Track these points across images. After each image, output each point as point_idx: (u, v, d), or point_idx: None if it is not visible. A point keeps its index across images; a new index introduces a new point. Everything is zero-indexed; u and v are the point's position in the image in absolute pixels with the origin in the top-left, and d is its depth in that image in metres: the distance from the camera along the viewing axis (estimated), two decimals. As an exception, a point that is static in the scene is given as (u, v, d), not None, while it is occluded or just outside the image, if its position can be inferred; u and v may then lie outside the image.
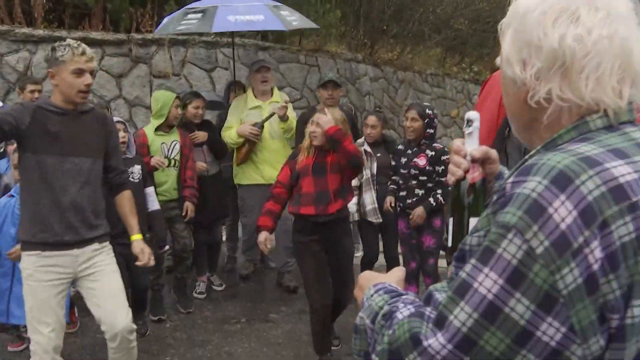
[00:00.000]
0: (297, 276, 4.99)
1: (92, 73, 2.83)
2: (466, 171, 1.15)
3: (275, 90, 5.17)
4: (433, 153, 4.18)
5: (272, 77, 5.11)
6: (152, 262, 3.08)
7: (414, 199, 4.19)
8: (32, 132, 2.67)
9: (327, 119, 3.41)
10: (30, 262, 2.74)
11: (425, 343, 0.87)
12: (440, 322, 0.87)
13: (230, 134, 4.91)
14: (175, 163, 4.46)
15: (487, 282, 0.82)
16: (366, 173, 4.51)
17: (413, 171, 4.22)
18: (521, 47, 0.92)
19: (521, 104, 0.94)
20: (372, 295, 1.06)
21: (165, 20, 5.60)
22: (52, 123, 2.72)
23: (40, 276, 2.74)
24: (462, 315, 0.83)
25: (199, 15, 5.05)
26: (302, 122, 4.48)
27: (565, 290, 0.77)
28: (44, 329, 2.72)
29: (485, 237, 0.87)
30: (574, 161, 0.81)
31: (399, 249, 4.55)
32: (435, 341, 0.86)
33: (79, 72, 2.71)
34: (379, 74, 12.85)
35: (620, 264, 0.78)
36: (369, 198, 4.53)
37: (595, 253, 0.77)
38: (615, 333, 0.79)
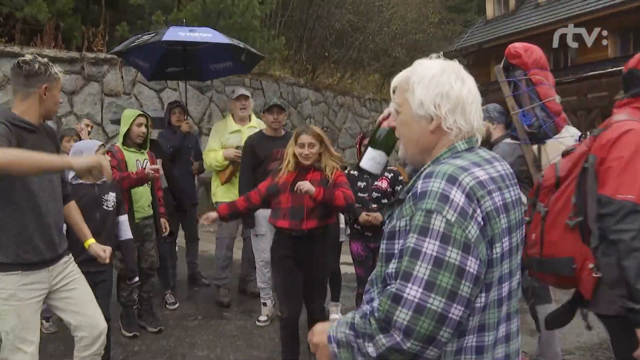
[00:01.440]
0: (233, 291, 5.71)
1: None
2: (384, 119, 1.86)
3: (253, 116, 5.75)
4: (392, 175, 4.38)
5: (250, 104, 5.66)
6: (107, 261, 3.18)
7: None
8: None
9: (307, 186, 3.53)
10: (12, 283, 2.68)
11: (404, 295, 1.31)
12: (407, 278, 1.32)
13: (216, 157, 5.39)
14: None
15: (430, 246, 1.32)
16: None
17: (375, 194, 4.34)
18: (435, 94, 1.49)
19: (428, 133, 1.52)
20: (337, 325, 1.47)
21: (116, 48, 6.31)
22: (27, 141, 2.70)
23: (23, 295, 2.72)
24: (422, 270, 1.31)
25: (152, 34, 5.87)
26: (249, 144, 4.91)
27: (473, 238, 1.33)
28: (28, 348, 2.73)
29: (412, 220, 1.38)
30: (453, 168, 1.41)
31: (356, 271, 4.61)
32: (410, 290, 1.31)
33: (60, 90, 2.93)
34: (320, 98, 13.82)
35: (488, 222, 1.38)
36: (342, 217, 4.96)
37: (479, 216, 1.36)
38: (490, 265, 1.44)
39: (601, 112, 16.02)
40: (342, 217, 4.98)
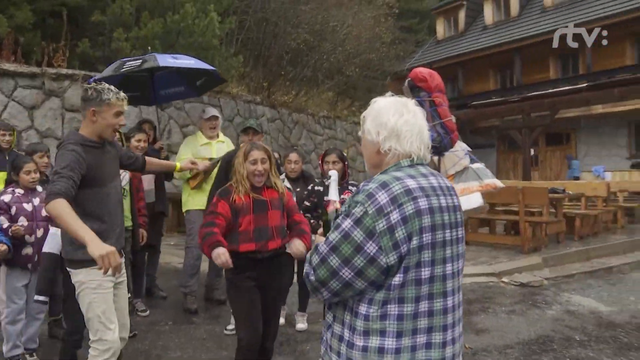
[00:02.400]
0: (199, 299, 6.07)
1: (124, 114, 3.34)
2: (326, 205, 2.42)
3: (220, 133, 6.27)
4: (355, 188, 4.80)
5: (219, 124, 6.20)
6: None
7: None
8: (87, 172, 3.11)
9: (300, 249, 3.60)
10: (98, 275, 3.05)
11: (319, 249, 1.86)
12: (326, 239, 1.85)
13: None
14: (124, 192, 4.97)
15: (346, 224, 1.79)
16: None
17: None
18: (377, 125, 1.96)
19: (375, 153, 1.99)
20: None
21: (102, 73, 6.61)
22: (95, 156, 3.18)
23: (106, 284, 3.23)
24: (334, 237, 1.81)
25: (139, 62, 6.22)
26: (226, 161, 5.16)
27: (379, 230, 1.74)
28: (114, 327, 3.24)
29: (349, 207, 1.83)
30: (389, 178, 1.83)
31: None
32: (322, 247, 1.85)
33: (119, 114, 3.24)
34: (276, 115, 14.30)
35: (407, 222, 1.76)
36: None
37: (394, 216, 1.75)
38: (406, 254, 1.89)
39: (544, 130, 17.15)
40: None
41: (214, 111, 6.27)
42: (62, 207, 2.85)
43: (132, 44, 10.28)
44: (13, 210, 4.24)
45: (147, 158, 3.95)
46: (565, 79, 17.75)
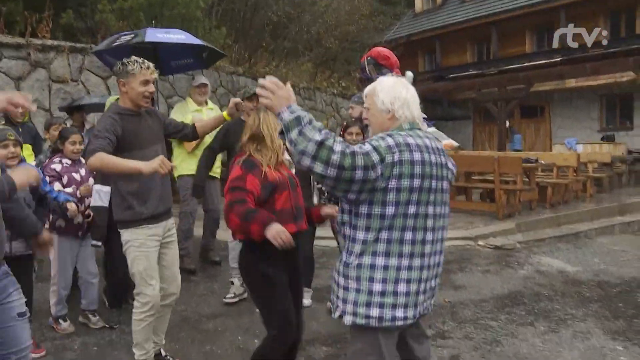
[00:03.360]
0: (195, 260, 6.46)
1: (154, 82, 3.62)
2: None
3: (209, 101, 6.63)
4: None
5: (208, 91, 6.54)
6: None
7: None
8: (124, 136, 3.41)
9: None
10: (142, 234, 3.49)
11: (333, 146, 2.14)
12: (358, 148, 2.23)
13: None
14: None
15: (366, 146, 2.24)
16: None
17: None
18: (392, 97, 2.52)
19: (388, 120, 2.56)
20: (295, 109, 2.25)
21: (99, 46, 6.89)
22: (132, 123, 3.49)
23: (150, 243, 3.54)
24: (363, 148, 2.23)
25: (131, 35, 6.51)
26: (225, 127, 5.12)
27: (386, 159, 2.21)
28: (154, 282, 3.55)
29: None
30: (394, 133, 2.35)
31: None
32: (336, 146, 2.15)
33: (146, 82, 3.49)
34: (257, 86, 14.60)
35: (402, 164, 2.24)
36: None
37: (395, 156, 2.23)
38: (393, 187, 2.31)
39: (519, 102, 17.73)
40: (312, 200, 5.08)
41: (203, 79, 6.58)
42: (102, 157, 3.22)
43: (117, 15, 10.47)
44: (65, 179, 4.46)
45: (196, 124, 4.02)
46: (541, 53, 18.31)
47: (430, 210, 2.40)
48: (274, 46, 16.30)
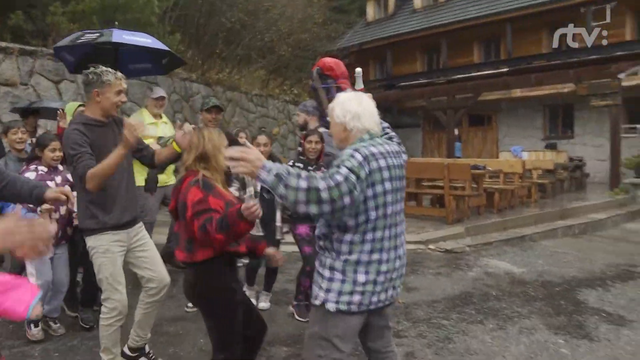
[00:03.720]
0: None
1: (126, 93, 3.73)
2: None
3: (162, 114, 6.56)
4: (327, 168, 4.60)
5: (165, 104, 6.49)
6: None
7: None
8: (92, 148, 3.49)
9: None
10: (106, 240, 3.60)
11: (333, 177, 2.42)
12: (332, 177, 2.43)
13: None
14: None
15: (342, 170, 2.45)
16: (249, 190, 5.06)
17: None
18: (344, 111, 2.81)
19: (342, 131, 2.83)
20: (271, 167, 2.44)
21: (61, 42, 6.73)
22: (98, 134, 3.57)
23: (115, 249, 3.63)
24: (338, 175, 2.45)
25: (96, 34, 6.42)
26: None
27: (361, 175, 2.50)
28: (122, 288, 3.64)
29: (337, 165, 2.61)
30: (358, 146, 2.61)
31: (305, 250, 4.95)
32: (334, 177, 2.43)
33: (119, 93, 3.61)
34: (210, 92, 14.59)
35: (373, 174, 2.63)
36: (277, 215, 5.11)
37: (366, 169, 2.52)
38: (370, 196, 2.63)
39: (467, 111, 18.32)
40: (277, 215, 5.16)
41: (162, 92, 6.51)
42: (94, 174, 3.38)
43: (69, 18, 10.37)
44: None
45: (155, 150, 4.01)
46: (488, 64, 18.97)
47: (397, 207, 2.77)
48: (227, 53, 16.35)
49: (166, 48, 6.77)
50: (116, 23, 7.73)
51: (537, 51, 17.86)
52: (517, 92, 18.11)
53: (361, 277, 2.66)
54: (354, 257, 2.66)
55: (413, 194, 10.83)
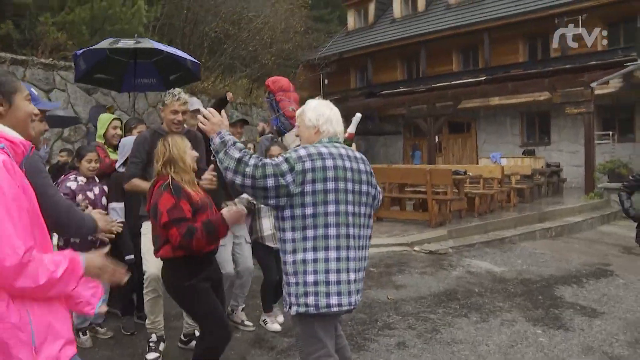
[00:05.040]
0: None
1: (184, 113, 4.18)
2: None
3: None
4: None
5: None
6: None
7: None
8: (150, 152, 3.85)
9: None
10: None
11: (261, 160, 2.72)
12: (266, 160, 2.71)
13: None
14: None
15: (278, 159, 2.74)
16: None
17: None
18: (317, 115, 3.04)
19: (314, 134, 3.05)
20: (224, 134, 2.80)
21: (96, 45, 6.90)
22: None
23: None
24: (270, 161, 2.72)
25: (133, 41, 6.62)
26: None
27: (296, 167, 2.67)
28: (153, 263, 4.06)
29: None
30: (307, 145, 2.84)
31: None
32: (264, 160, 2.71)
33: (175, 112, 4.14)
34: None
35: (314, 170, 2.69)
36: (268, 223, 5.02)
37: (306, 164, 2.68)
38: (309, 191, 2.75)
39: (447, 119, 18.84)
40: (267, 224, 5.07)
41: (198, 103, 6.17)
42: (134, 183, 4.15)
43: (59, 28, 10.63)
44: (79, 197, 4.56)
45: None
46: (467, 72, 19.53)
47: (350, 208, 2.81)
48: (211, 62, 16.67)
49: (195, 61, 7.04)
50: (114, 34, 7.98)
51: (514, 60, 18.47)
52: (496, 100, 18.66)
53: (310, 278, 2.72)
54: (299, 256, 2.74)
55: (396, 198, 11.25)
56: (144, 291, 4.29)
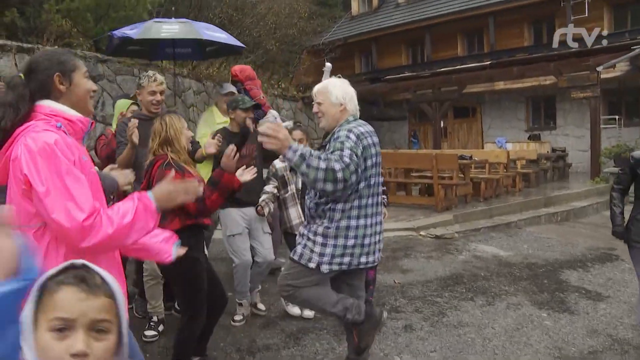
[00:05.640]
0: None
1: (162, 93, 4.28)
2: None
3: None
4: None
5: None
6: None
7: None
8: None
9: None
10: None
11: (342, 154, 2.99)
12: (341, 156, 2.97)
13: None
14: None
15: (346, 152, 3.00)
16: (291, 188, 4.94)
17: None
18: (344, 93, 3.32)
19: (339, 111, 3.30)
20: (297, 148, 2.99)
21: (138, 29, 6.97)
22: (143, 127, 4.07)
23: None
24: (346, 153, 3.01)
25: (175, 28, 6.75)
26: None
27: (358, 153, 3.05)
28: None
29: (337, 142, 3.06)
30: (350, 126, 3.17)
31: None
32: (343, 153, 3.01)
33: (153, 93, 4.24)
34: (201, 87, 14.94)
35: (365, 150, 3.10)
36: (295, 212, 4.92)
37: (360, 147, 3.08)
38: (363, 169, 3.13)
39: (452, 103, 18.82)
40: (294, 212, 4.97)
41: (231, 87, 6.19)
42: (121, 157, 4.28)
43: (63, 15, 10.66)
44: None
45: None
46: (471, 57, 19.48)
47: (379, 178, 3.28)
48: (216, 47, 16.66)
49: (240, 44, 7.25)
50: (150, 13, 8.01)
51: (519, 44, 18.41)
52: (501, 85, 18.62)
53: (350, 241, 3.14)
54: (344, 223, 3.14)
55: (402, 183, 11.30)
56: (144, 279, 4.40)
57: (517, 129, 19.68)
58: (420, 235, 8.50)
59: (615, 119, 16.64)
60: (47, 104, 2.06)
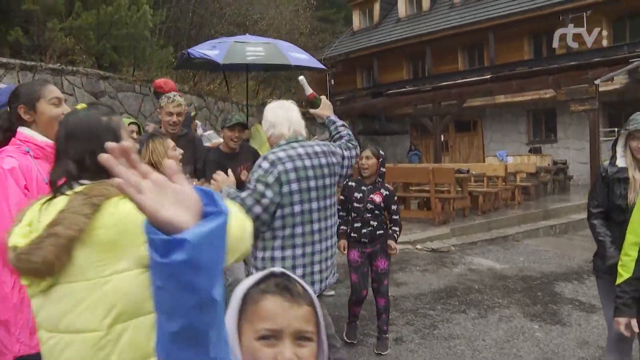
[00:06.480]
0: None
1: (179, 114, 4.35)
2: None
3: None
4: (387, 192, 4.72)
5: None
6: None
7: (369, 229, 4.65)
8: None
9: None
10: None
11: (243, 196, 2.85)
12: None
13: None
14: None
15: (251, 184, 2.90)
16: None
17: (369, 206, 4.65)
18: (272, 116, 3.09)
19: (268, 136, 3.16)
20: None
21: (221, 50, 6.77)
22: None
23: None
24: (247, 192, 2.88)
25: (260, 49, 6.68)
26: (211, 160, 4.71)
27: (268, 181, 2.84)
28: None
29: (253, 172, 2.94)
30: (269, 153, 2.97)
31: (351, 277, 4.77)
32: (244, 196, 2.86)
33: (169, 114, 4.34)
34: (202, 103, 15.07)
35: (279, 176, 2.87)
36: None
37: (274, 173, 2.86)
38: (282, 195, 2.98)
39: (453, 117, 18.90)
40: None
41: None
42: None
43: (66, 33, 10.80)
44: None
45: None
46: (472, 71, 19.59)
47: (314, 205, 3.00)
48: (217, 64, 16.81)
49: (321, 66, 7.37)
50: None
51: (519, 58, 18.53)
52: (501, 98, 18.70)
53: None
54: (267, 254, 2.96)
55: (401, 197, 11.32)
56: None
57: (519, 143, 19.72)
58: (417, 248, 8.54)
59: (615, 131, 16.64)
60: (22, 131, 2.31)
